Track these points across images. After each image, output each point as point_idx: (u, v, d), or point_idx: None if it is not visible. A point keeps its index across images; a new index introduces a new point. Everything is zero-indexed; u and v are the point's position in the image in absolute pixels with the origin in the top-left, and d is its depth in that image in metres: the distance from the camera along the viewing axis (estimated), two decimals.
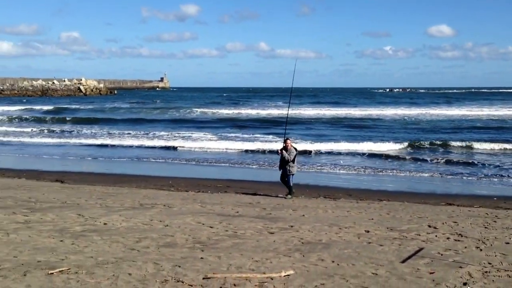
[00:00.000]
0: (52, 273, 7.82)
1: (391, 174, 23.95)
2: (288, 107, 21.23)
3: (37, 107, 79.44)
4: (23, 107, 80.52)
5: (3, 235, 10.68)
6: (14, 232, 11.00)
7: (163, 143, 36.99)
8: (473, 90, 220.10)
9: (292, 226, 12.26)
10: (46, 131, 47.46)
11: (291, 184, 17.85)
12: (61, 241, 10.36)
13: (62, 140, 39.91)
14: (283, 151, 17.87)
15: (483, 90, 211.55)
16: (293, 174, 17.87)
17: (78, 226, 11.84)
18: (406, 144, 33.79)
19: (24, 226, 11.70)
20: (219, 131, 45.99)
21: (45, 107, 78.64)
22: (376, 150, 31.78)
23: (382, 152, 31.11)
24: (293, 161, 17.80)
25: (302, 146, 31.35)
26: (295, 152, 17.98)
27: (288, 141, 18.13)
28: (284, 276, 8.00)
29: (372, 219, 13.42)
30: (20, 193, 16.86)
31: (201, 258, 9.20)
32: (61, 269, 8.03)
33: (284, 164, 17.85)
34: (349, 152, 31.28)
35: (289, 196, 17.60)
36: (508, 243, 10.66)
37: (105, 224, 12.16)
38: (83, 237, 10.78)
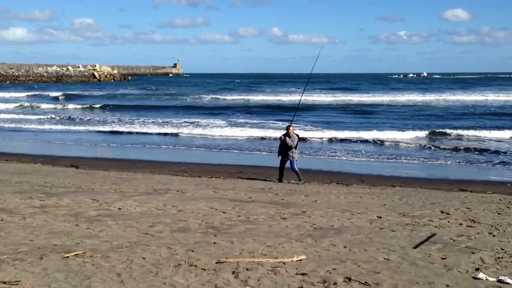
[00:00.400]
0: (68, 257, 7.93)
1: (403, 160, 23.90)
2: (302, 94, 21.35)
3: (46, 93, 79.67)
4: (31, 93, 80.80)
5: (20, 219, 10.84)
6: (30, 216, 11.16)
7: (169, 130, 36.89)
8: (488, 75, 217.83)
9: (304, 212, 12.32)
10: (54, 117, 47.51)
11: (297, 169, 18.06)
12: (76, 225, 10.50)
13: (72, 127, 39.88)
14: (286, 137, 18.11)
15: (500, 76, 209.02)
16: (296, 160, 18.17)
17: (93, 210, 11.98)
18: (418, 131, 33.58)
19: (40, 210, 11.86)
20: (230, 117, 46.01)
21: (55, 94, 78.75)
22: (387, 137, 31.50)
23: (394, 139, 30.93)
24: (295, 147, 18.08)
25: (310, 133, 31.48)
26: (297, 139, 18.27)
27: (291, 128, 18.41)
28: (296, 261, 8.06)
29: (385, 205, 13.45)
30: (36, 178, 17.05)
31: (214, 243, 9.29)
32: (76, 253, 8.15)
33: (286, 150, 18.12)
34: (359, 139, 31.11)
35: (301, 181, 17.77)
36: None
37: (119, 209, 12.29)
38: (98, 221, 10.91)
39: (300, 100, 22.22)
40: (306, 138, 30.56)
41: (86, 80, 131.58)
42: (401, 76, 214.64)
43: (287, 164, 18.23)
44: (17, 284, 6.71)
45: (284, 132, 18.69)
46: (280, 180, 18.15)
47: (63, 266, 7.51)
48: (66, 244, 8.90)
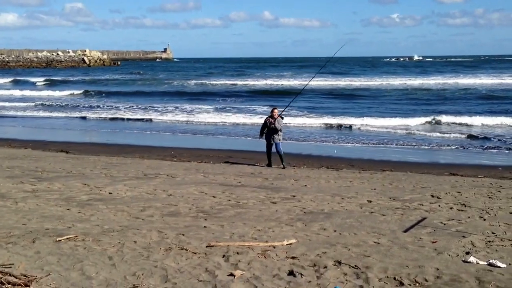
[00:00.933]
0: (60, 240, 7.94)
1: (393, 146, 23.94)
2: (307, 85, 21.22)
3: (28, 79, 78.80)
4: (17, 78, 80.00)
5: (12, 204, 10.83)
6: (22, 200, 11.15)
7: (152, 116, 36.26)
8: (481, 58, 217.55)
9: (294, 196, 12.36)
10: (33, 104, 46.40)
11: (282, 152, 18.24)
12: (67, 209, 10.50)
13: (53, 114, 39.11)
14: (271, 119, 18.29)
15: (493, 58, 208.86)
16: (281, 142, 18.42)
17: (84, 195, 11.98)
18: (408, 117, 33.30)
19: (31, 195, 11.85)
20: (216, 103, 45.56)
21: (35, 79, 77.92)
22: (375, 123, 31.05)
23: (383, 125, 30.75)
24: (280, 130, 18.32)
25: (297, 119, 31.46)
26: (282, 122, 18.54)
27: (276, 110, 18.58)
28: (287, 244, 8.09)
29: (375, 189, 13.51)
30: (27, 163, 17.00)
31: (204, 227, 9.32)
32: (68, 237, 8.16)
33: (272, 133, 18.23)
34: (346, 125, 30.85)
35: (283, 164, 18.05)
36: None
37: (110, 193, 12.29)
38: (89, 205, 10.91)
39: (304, 87, 22.21)
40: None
41: (76, 65, 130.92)
42: (394, 59, 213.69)
43: (273, 148, 18.34)
44: (11, 267, 6.73)
45: (269, 115, 18.80)
46: (269, 165, 18.19)
47: (56, 249, 7.53)
48: (58, 228, 8.91)
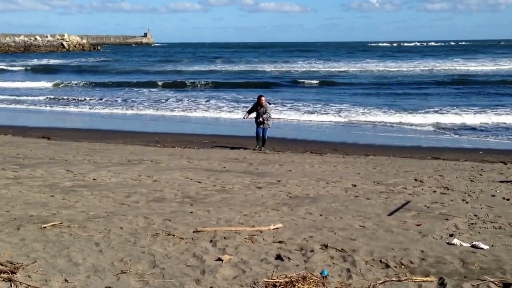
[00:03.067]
0: (45, 227, 7.90)
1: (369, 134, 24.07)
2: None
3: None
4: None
5: None
6: (5, 187, 11.03)
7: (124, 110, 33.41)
8: (459, 43, 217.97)
9: (279, 181, 12.39)
10: None
11: (266, 137, 18.88)
12: (51, 196, 10.43)
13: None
14: (260, 107, 18.82)
15: (472, 43, 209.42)
16: (269, 127, 19.03)
17: (68, 181, 11.89)
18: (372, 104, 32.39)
19: (14, 181, 11.73)
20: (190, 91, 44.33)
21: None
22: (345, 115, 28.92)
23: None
24: (270, 116, 19.00)
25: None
26: (270, 107, 19.32)
27: (262, 98, 19.09)
28: (273, 229, 8.13)
29: (359, 173, 13.59)
30: (8, 149, 16.81)
31: (191, 212, 9.32)
32: (53, 223, 8.11)
33: (262, 119, 18.71)
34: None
35: (263, 147, 18.65)
36: (493, 195, 10.88)
37: (94, 179, 12.22)
38: (73, 192, 10.85)
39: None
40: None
41: (54, 50, 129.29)
42: (372, 44, 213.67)
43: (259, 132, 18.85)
44: None
45: (255, 103, 19.29)
46: (260, 148, 18.67)
47: (41, 236, 7.49)
48: (42, 214, 8.85)
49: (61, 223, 8.20)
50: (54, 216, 8.73)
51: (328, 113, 28.79)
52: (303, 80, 50.90)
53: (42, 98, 38.75)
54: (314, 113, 29.18)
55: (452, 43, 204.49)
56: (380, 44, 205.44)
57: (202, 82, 49.99)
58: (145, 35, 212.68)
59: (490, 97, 36.10)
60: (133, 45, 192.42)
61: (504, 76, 50.62)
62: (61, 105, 35.17)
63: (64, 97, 39.03)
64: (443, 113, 27.95)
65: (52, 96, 39.94)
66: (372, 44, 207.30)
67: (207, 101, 35.16)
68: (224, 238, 7.60)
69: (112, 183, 11.91)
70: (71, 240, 7.35)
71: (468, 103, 32.09)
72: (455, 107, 29.93)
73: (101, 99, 37.16)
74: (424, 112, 28.37)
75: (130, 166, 14.18)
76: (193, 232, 7.91)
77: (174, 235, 7.72)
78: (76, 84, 50.92)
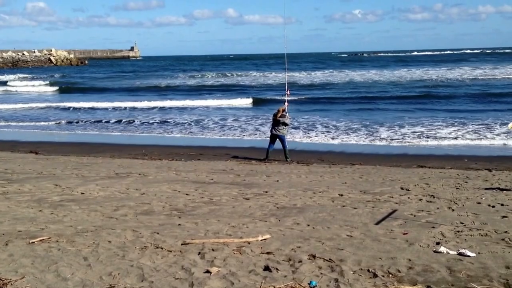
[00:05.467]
0: (33, 242, 7.90)
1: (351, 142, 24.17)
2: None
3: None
4: None
5: None
6: None
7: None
8: (443, 52, 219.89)
9: (266, 192, 12.45)
10: None
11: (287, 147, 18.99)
12: (40, 211, 10.42)
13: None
14: (278, 115, 18.86)
15: (453, 52, 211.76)
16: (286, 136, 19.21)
17: (56, 196, 11.89)
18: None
19: (2, 197, 11.72)
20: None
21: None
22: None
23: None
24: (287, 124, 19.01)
25: None
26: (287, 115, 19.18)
27: (281, 108, 19.13)
28: (261, 240, 8.17)
29: (346, 183, 13.67)
30: None
31: (179, 224, 9.34)
32: (42, 238, 8.12)
33: (279, 127, 18.75)
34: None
35: (287, 159, 18.68)
36: (479, 203, 10.97)
37: (82, 193, 12.22)
38: (61, 206, 10.84)
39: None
40: None
41: (42, 64, 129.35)
42: (353, 54, 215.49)
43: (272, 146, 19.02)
44: None
45: (279, 112, 19.08)
46: (267, 158, 18.81)
47: (29, 251, 7.49)
48: (30, 230, 8.85)
49: (50, 238, 8.20)
50: (42, 231, 8.73)
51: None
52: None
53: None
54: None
55: (437, 53, 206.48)
56: (365, 54, 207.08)
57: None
58: (132, 49, 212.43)
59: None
60: (122, 58, 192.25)
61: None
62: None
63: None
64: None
65: None
66: (353, 55, 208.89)
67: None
68: (212, 250, 7.63)
69: (100, 196, 11.91)
70: (60, 255, 7.36)
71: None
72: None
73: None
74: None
75: (118, 179, 14.19)
76: (181, 244, 7.94)
77: (162, 248, 7.74)
78: None
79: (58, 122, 32.81)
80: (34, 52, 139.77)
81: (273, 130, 18.91)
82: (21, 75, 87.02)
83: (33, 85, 66.97)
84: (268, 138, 19.61)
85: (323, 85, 57.06)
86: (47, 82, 71.45)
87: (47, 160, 18.29)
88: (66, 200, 11.44)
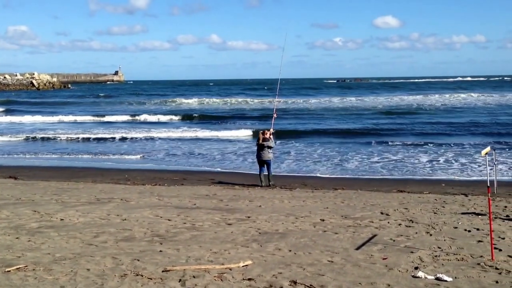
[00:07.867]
0: (9, 271, 7.79)
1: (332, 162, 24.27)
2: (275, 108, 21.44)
3: None
4: None
5: None
6: None
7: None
8: (418, 80, 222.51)
9: (249, 217, 12.42)
10: None
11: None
12: (17, 238, 10.29)
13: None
14: (264, 138, 18.88)
15: (433, 80, 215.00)
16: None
17: (34, 222, 11.75)
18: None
19: None
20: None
21: None
22: None
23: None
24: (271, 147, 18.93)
25: None
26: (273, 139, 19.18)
27: (267, 132, 19.16)
28: (243, 266, 8.15)
29: (327, 208, 13.70)
30: None
31: (160, 251, 9.28)
32: (18, 267, 8.01)
33: (265, 151, 18.72)
34: None
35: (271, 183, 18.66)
36: (456, 227, 11.09)
37: (61, 220, 12.10)
38: (39, 233, 10.71)
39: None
40: None
41: (24, 88, 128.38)
42: (337, 81, 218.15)
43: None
44: None
45: (260, 136, 19.12)
46: (262, 184, 18.68)
47: (5, 280, 7.38)
48: (6, 258, 8.72)
49: (26, 266, 8.10)
50: (19, 259, 8.61)
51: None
52: None
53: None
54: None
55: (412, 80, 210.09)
56: (348, 80, 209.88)
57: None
58: (116, 73, 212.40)
59: None
60: (107, 82, 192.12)
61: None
62: None
63: None
64: None
65: None
66: (338, 81, 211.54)
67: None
68: (194, 277, 7.59)
69: (80, 223, 11.80)
70: (36, 284, 7.26)
71: None
72: None
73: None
74: None
75: (98, 205, 14.08)
76: (162, 271, 7.88)
77: (142, 275, 7.68)
78: None
79: None
80: (16, 75, 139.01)
81: (259, 155, 18.89)
82: None
83: None
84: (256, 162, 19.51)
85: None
86: None
87: (26, 186, 18.11)
88: (45, 227, 11.32)
